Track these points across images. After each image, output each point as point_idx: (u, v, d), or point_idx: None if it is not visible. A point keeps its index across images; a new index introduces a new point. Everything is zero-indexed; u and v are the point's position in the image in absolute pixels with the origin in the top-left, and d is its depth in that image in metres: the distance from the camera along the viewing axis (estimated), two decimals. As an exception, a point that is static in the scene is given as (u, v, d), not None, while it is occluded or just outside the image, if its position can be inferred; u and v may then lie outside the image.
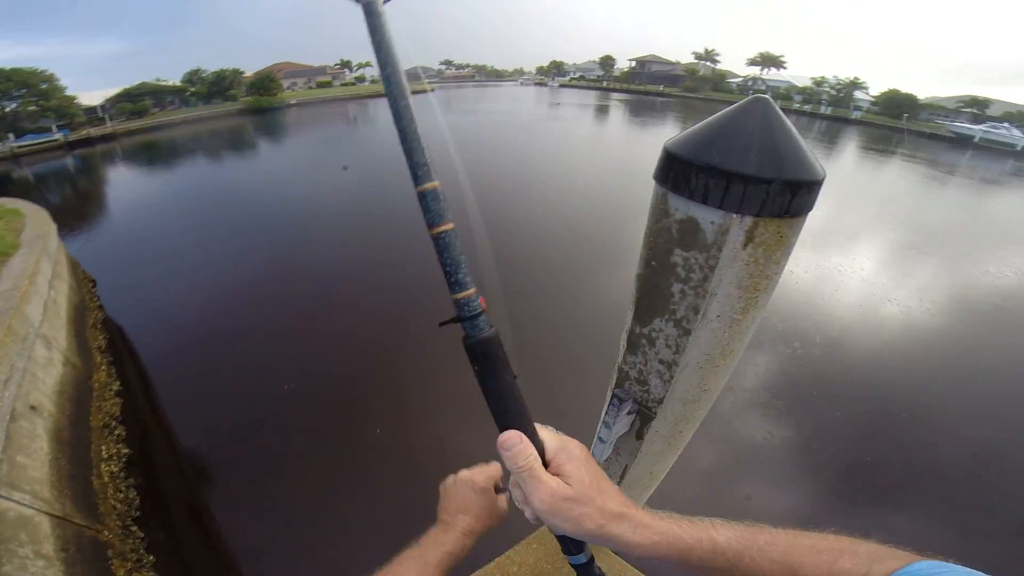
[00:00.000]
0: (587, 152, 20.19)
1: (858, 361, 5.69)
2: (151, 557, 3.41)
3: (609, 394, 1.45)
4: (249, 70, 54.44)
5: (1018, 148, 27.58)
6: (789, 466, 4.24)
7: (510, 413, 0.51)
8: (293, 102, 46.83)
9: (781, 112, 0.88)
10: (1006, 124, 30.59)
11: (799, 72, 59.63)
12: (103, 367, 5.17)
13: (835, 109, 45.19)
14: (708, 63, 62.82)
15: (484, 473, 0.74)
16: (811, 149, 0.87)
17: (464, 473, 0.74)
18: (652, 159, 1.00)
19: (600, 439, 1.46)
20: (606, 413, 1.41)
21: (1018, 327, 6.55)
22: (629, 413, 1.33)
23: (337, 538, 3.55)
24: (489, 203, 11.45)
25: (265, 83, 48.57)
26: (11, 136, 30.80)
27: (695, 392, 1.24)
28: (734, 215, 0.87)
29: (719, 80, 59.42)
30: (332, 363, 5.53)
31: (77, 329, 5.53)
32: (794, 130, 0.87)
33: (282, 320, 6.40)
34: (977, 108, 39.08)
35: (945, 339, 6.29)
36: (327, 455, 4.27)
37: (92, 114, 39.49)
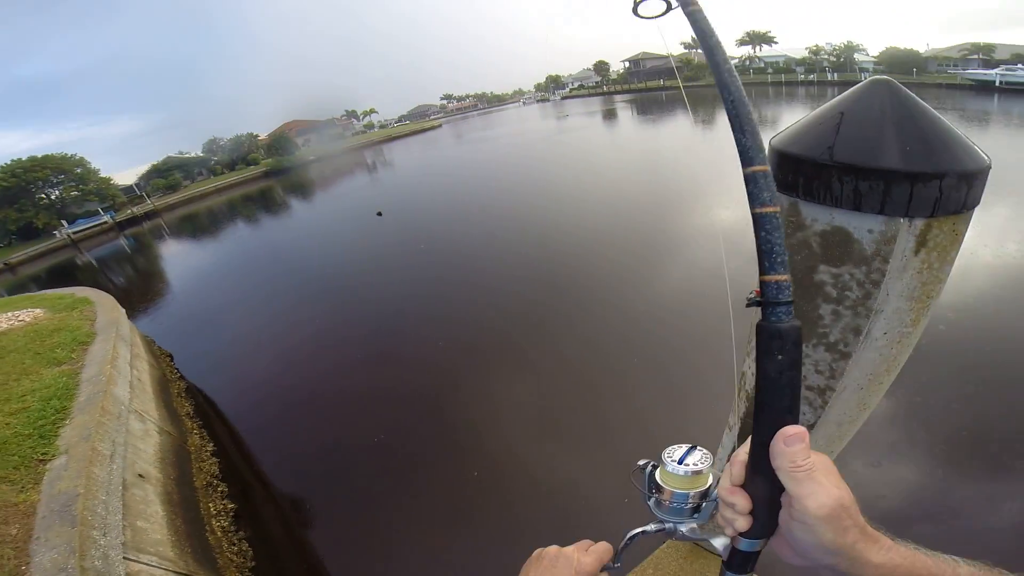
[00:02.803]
0: (615, 154, 20.37)
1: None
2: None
3: (734, 422, 1.30)
4: (262, 132, 57.71)
5: (1044, 87, 26.05)
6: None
7: (787, 410, 0.48)
8: (312, 158, 48.82)
9: (911, 93, 0.77)
10: (1020, 65, 29.09)
11: (791, 46, 58.10)
12: (195, 431, 5.56)
13: (841, 75, 43.97)
14: (699, 50, 61.96)
15: (594, 555, 0.60)
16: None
17: (569, 550, 0.61)
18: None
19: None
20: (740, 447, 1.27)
21: None
22: None
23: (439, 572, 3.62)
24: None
25: (281, 143, 51.48)
26: (64, 223, 33.04)
27: (853, 413, 1.10)
28: (901, 220, 0.76)
29: (717, 65, 58.58)
30: (409, 417, 5.46)
31: (164, 400, 5.95)
32: (935, 112, 0.76)
33: (354, 376, 6.55)
34: (982, 54, 37.13)
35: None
36: (425, 496, 4.33)
37: (130, 193, 41.82)
